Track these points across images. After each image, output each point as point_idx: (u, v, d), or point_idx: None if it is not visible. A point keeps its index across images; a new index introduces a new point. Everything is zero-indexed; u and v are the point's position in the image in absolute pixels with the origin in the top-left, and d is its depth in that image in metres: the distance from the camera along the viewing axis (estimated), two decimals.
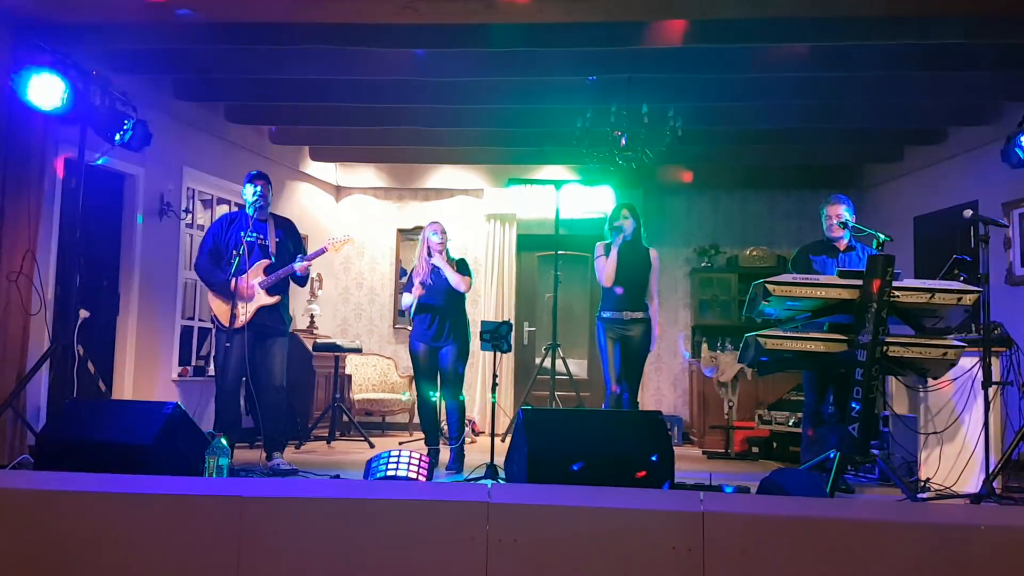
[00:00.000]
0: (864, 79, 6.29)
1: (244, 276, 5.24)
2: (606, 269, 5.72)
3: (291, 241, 5.55)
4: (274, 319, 5.40)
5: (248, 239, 5.31)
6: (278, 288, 5.38)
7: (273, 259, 5.39)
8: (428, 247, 5.73)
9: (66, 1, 4.69)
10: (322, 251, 5.45)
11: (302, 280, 5.47)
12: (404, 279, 9.26)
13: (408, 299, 5.76)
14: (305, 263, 5.34)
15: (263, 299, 5.32)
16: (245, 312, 5.24)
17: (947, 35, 5.08)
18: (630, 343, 5.74)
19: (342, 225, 9.36)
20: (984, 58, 5.61)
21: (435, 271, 5.71)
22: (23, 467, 4.55)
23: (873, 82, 6.34)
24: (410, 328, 6.07)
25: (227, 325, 5.25)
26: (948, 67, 5.76)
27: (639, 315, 5.75)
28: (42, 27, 5.08)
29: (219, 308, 5.38)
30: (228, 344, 5.15)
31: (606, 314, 5.81)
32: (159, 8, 4.69)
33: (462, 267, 5.81)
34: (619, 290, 5.72)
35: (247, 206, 5.47)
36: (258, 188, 5.41)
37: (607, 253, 5.76)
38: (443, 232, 5.77)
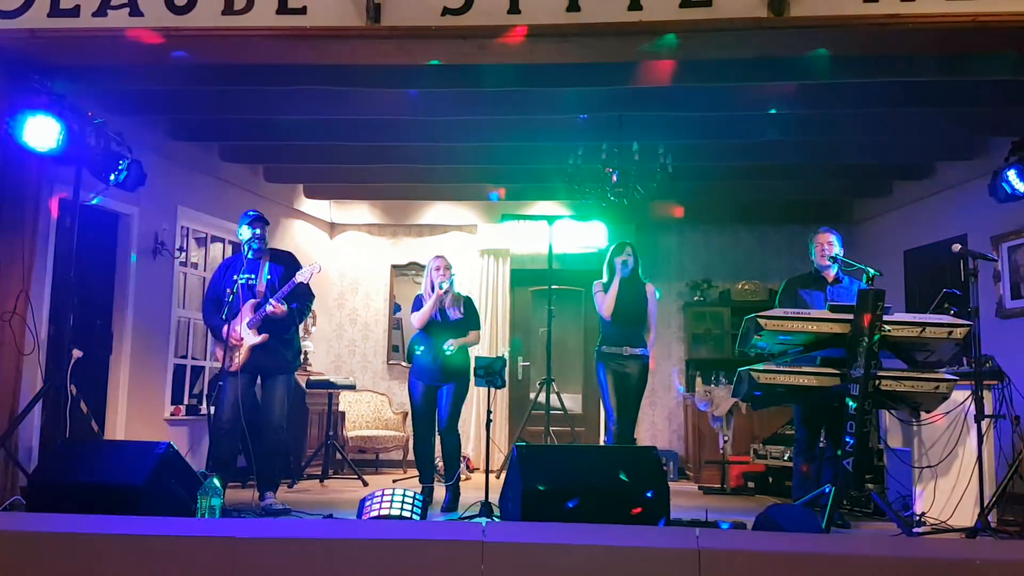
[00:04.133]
0: (852, 116, 6.38)
1: (236, 318, 5.30)
2: (606, 302, 5.87)
3: (287, 277, 5.48)
4: (273, 357, 5.39)
5: (241, 280, 5.37)
6: (269, 326, 5.38)
7: (261, 298, 5.40)
8: (432, 282, 5.80)
9: (62, 43, 4.73)
10: (291, 286, 5.40)
11: (281, 321, 5.35)
12: (398, 313, 9.28)
13: (417, 320, 5.79)
14: (271, 306, 5.26)
15: (252, 338, 5.33)
16: (239, 353, 5.25)
17: (931, 73, 5.17)
18: (628, 379, 5.87)
19: (336, 262, 9.39)
20: (969, 95, 5.70)
21: (440, 310, 5.78)
22: (15, 509, 4.52)
23: (861, 119, 6.43)
24: (404, 364, 6.08)
25: (225, 367, 5.32)
26: (934, 103, 5.85)
27: (638, 351, 5.89)
28: (38, 68, 5.13)
29: (220, 352, 5.42)
30: (221, 384, 5.15)
31: (605, 348, 5.93)
32: (154, 50, 4.74)
33: (468, 308, 5.92)
34: (619, 328, 5.86)
35: (243, 247, 5.53)
36: (255, 231, 5.47)
37: (605, 289, 5.93)
38: (446, 268, 5.82)
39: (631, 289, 5.93)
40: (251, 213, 5.58)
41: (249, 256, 5.50)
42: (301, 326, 8.36)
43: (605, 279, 6.02)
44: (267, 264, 5.51)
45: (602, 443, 7.78)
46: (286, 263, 5.60)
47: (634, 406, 5.94)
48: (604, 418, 6.53)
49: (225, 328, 5.24)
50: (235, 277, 5.41)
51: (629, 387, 5.86)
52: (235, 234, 5.81)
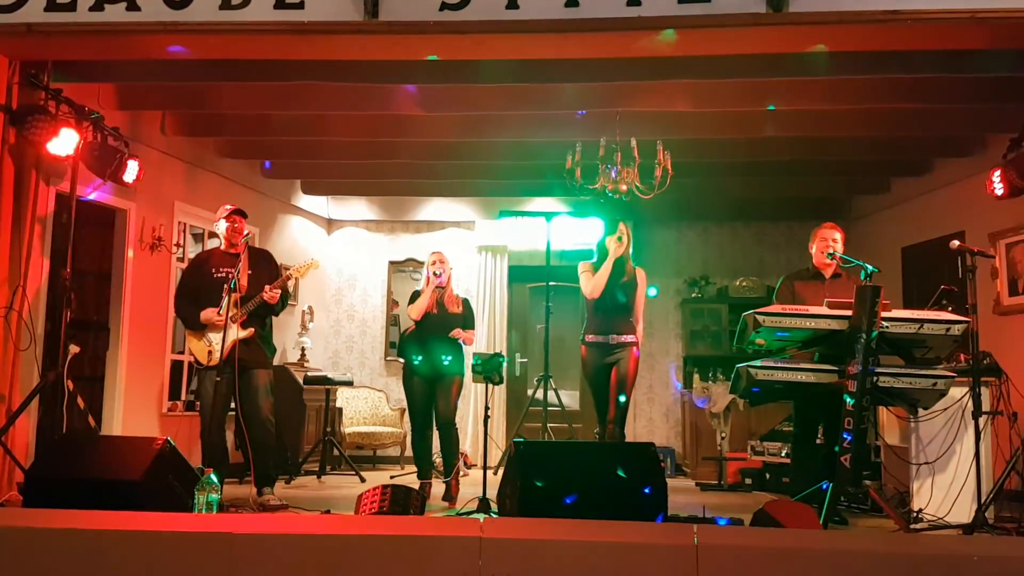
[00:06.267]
0: (850, 112, 6.37)
1: (219, 311, 5.25)
2: (594, 281, 5.50)
3: (265, 272, 5.49)
4: (253, 352, 5.33)
5: (220, 274, 5.32)
6: (252, 321, 5.36)
7: (244, 292, 5.36)
8: (429, 276, 5.87)
9: (59, 37, 4.72)
10: (287, 278, 5.41)
11: (273, 308, 5.42)
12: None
13: (415, 311, 5.84)
14: (270, 291, 5.29)
15: (239, 332, 5.27)
16: (221, 347, 5.20)
17: (929, 69, 5.17)
18: (617, 369, 5.48)
19: (334, 258, 9.38)
20: (967, 91, 5.70)
21: (437, 304, 5.83)
22: (11, 505, 4.51)
23: (859, 115, 6.43)
24: (401, 361, 6.09)
25: (204, 363, 5.31)
26: (932, 100, 5.85)
27: (626, 339, 5.52)
28: (34, 63, 5.12)
29: (195, 346, 5.38)
30: (218, 379, 5.11)
31: (591, 338, 5.59)
32: (151, 44, 4.73)
33: (467, 307, 5.99)
34: (606, 314, 5.57)
35: (220, 240, 5.56)
36: (234, 224, 5.47)
37: (594, 270, 5.57)
38: (441, 263, 5.89)
39: (623, 273, 5.56)
40: (228, 208, 5.56)
41: (225, 250, 5.48)
42: (299, 324, 8.44)
43: (592, 261, 5.65)
44: (248, 259, 5.48)
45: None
46: (263, 259, 5.62)
47: (626, 399, 5.52)
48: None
49: (223, 318, 5.15)
50: (213, 271, 5.37)
51: (619, 378, 5.45)
52: None
